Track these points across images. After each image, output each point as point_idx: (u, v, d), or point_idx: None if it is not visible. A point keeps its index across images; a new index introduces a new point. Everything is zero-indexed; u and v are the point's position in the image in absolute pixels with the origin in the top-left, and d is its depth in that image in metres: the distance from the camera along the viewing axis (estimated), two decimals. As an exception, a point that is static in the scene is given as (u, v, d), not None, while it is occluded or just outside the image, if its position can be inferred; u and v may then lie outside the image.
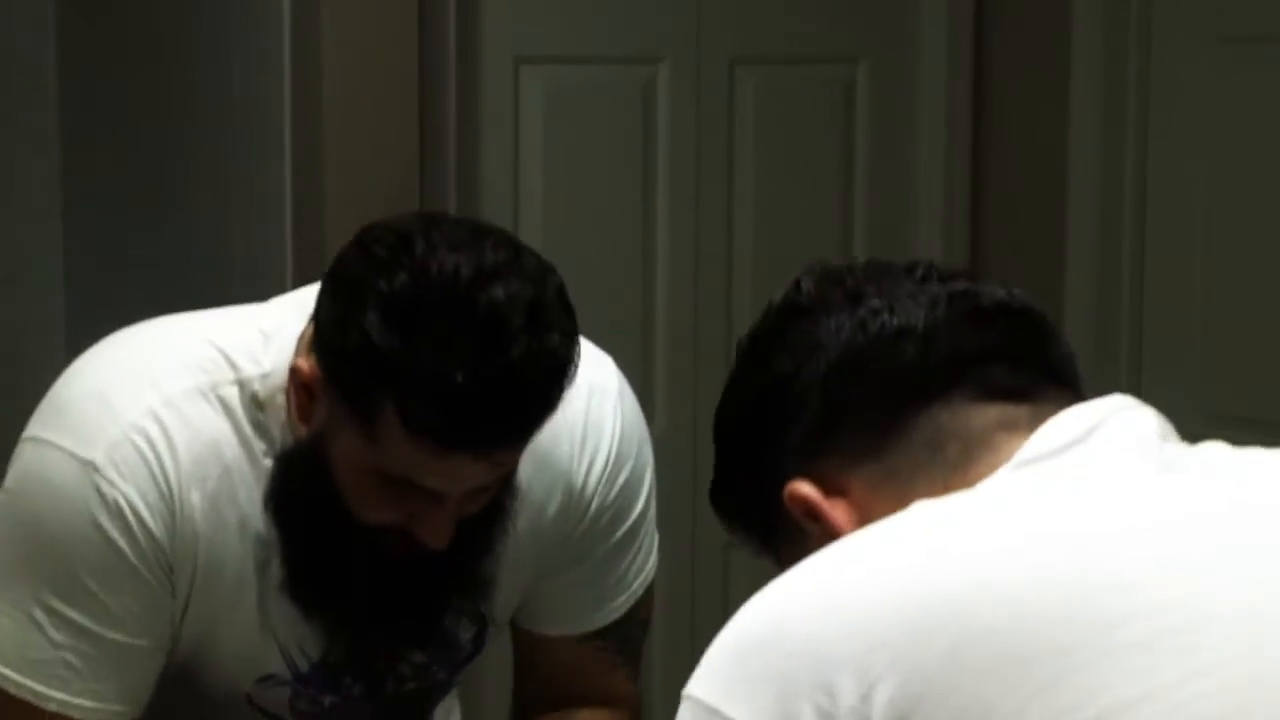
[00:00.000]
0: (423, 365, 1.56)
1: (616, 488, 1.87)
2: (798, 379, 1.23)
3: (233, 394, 1.73)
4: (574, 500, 1.85)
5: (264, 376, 1.73)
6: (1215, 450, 1.18)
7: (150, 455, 1.70)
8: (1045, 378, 1.21)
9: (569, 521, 1.86)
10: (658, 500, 1.94)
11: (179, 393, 1.72)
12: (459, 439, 1.59)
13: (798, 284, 1.27)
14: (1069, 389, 1.22)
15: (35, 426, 1.75)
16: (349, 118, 3.20)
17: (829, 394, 1.22)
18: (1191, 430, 1.24)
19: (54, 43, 3.87)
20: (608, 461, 1.86)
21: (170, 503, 1.70)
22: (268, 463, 1.73)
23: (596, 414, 1.85)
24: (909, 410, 1.20)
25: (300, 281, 1.88)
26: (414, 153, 3.24)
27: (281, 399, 1.72)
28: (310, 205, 3.21)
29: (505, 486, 1.73)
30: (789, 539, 1.24)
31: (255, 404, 1.73)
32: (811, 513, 1.21)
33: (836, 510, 1.21)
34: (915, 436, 1.19)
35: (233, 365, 1.74)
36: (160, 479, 1.70)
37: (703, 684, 1.10)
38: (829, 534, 1.18)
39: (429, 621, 1.80)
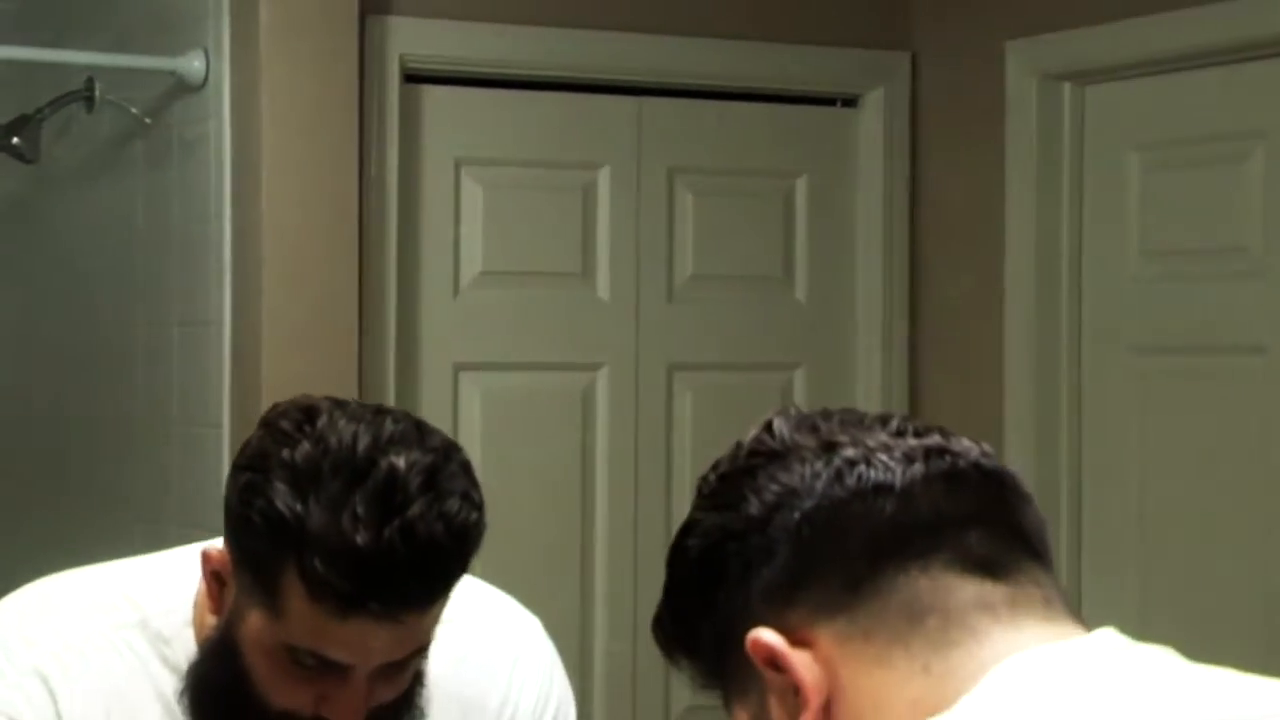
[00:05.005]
0: (321, 526, 1.60)
1: None
2: (769, 525, 1.20)
3: (135, 635, 1.78)
4: None
5: (169, 612, 1.78)
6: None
7: (43, 702, 1.74)
8: (1019, 548, 1.21)
9: None
10: None
11: (79, 638, 1.76)
12: (359, 599, 1.62)
13: (769, 426, 1.24)
14: (1040, 561, 1.22)
15: None
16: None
17: (801, 544, 1.19)
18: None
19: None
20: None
21: None
22: (173, 697, 1.76)
23: (520, 679, 1.92)
24: (885, 570, 1.18)
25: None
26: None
27: (189, 633, 1.76)
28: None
29: (416, 678, 1.75)
30: (740, 682, 1.23)
31: (160, 640, 1.77)
32: (774, 662, 1.19)
33: (801, 661, 1.18)
34: (892, 600, 1.18)
35: (136, 605, 1.78)
36: None
37: None
38: (791, 685, 1.18)
39: None
